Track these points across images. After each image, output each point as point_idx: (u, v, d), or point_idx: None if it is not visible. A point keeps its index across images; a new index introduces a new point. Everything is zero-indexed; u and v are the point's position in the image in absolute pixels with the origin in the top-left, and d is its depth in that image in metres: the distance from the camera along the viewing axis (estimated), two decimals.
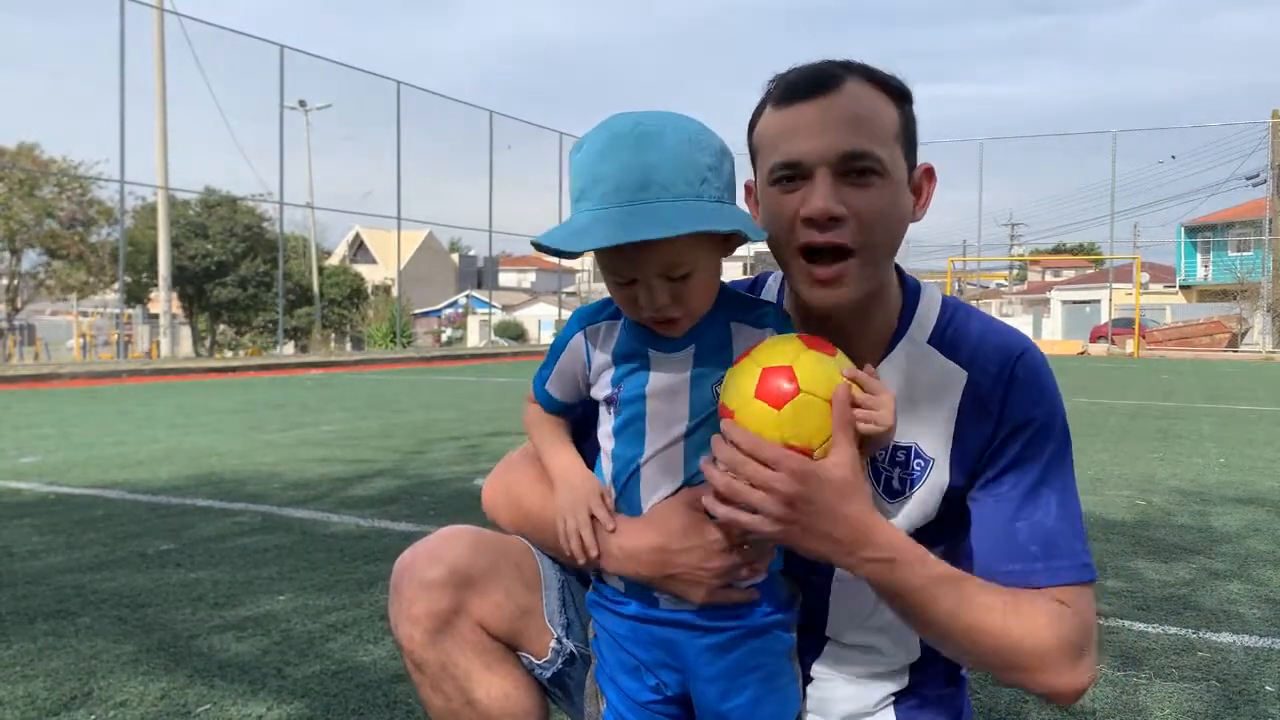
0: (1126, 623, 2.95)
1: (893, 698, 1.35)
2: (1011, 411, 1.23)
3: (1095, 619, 1.20)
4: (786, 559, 1.26)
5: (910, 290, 1.32)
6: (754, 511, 1.06)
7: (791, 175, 1.17)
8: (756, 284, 1.41)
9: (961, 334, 1.28)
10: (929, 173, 1.27)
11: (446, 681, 1.28)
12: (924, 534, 1.27)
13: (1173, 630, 2.89)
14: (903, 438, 1.25)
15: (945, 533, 1.30)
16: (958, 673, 1.40)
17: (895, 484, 1.26)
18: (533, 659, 1.32)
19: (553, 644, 1.31)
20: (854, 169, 1.15)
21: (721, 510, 1.08)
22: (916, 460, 1.25)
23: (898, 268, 1.33)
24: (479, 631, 1.28)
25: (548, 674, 1.32)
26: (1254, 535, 4.23)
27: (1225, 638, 2.83)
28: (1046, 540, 1.18)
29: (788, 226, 1.17)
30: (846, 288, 1.18)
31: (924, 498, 1.27)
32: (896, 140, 1.19)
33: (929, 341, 1.28)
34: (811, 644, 1.34)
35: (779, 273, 1.34)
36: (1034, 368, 1.25)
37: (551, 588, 1.34)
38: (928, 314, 1.30)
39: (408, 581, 1.28)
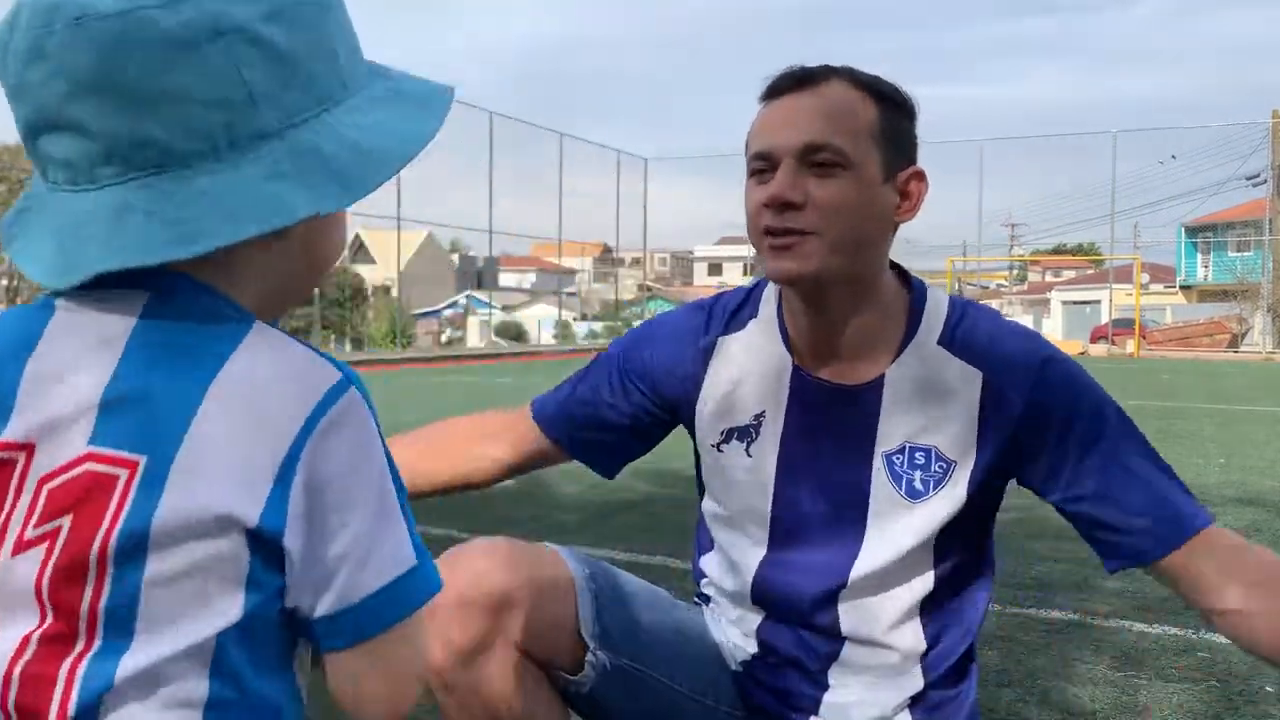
0: (1126, 623, 2.95)
1: (909, 701, 1.35)
2: (1044, 418, 1.25)
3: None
4: (799, 552, 1.30)
5: (917, 294, 1.32)
6: None
7: (763, 167, 1.22)
8: (753, 291, 1.42)
9: (971, 334, 1.29)
10: (918, 175, 1.28)
11: (475, 704, 1.25)
12: (948, 535, 1.30)
13: (1173, 630, 2.88)
14: (920, 440, 1.26)
15: (970, 533, 1.33)
16: (967, 664, 1.40)
17: (918, 485, 1.28)
18: (566, 675, 1.29)
19: (588, 657, 1.28)
20: (816, 160, 1.19)
21: None
22: (938, 463, 1.27)
23: (903, 271, 1.33)
24: (514, 652, 1.25)
25: (585, 689, 1.29)
26: (1254, 535, 4.23)
27: (1225, 638, 2.82)
28: (1162, 504, 1.24)
29: (755, 213, 1.23)
30: (801, 259, 1.20)
31: (947, 498, 1.28)
32: (872, 138, 1.21)
33: (939, 343, 1.29)
34: (828, 646, 1.34)
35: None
36: (1061, 366, 1.28)
37: (585, 598, 1.30)
38: (935, 316, 1.30)
39: (441, 600, 1.24)
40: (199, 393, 0.63)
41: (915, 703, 1.35)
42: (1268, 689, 2.44)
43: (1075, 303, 44.58)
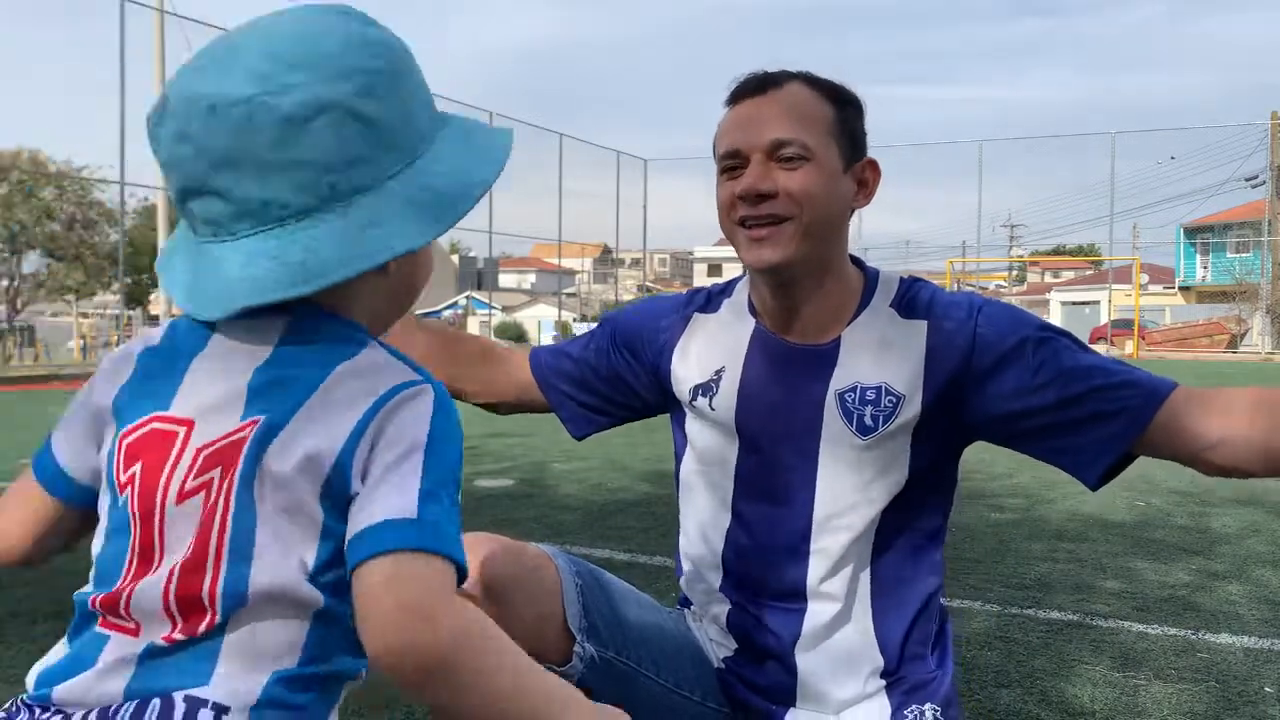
0: (1126, 624, 2.95)
1: (884, 682, 1.38)
2: (993, 342, 1.33)
3: None
4: (763, 505, 1.37)
5: (870, 275, 1.46)
6: None
7: (734, 165, 1.34)
8: (734, 282, 1.55)
9: (916, 297, 1.41)
10: (872, 165, 1.41)
11: None
12: (897, 490, 1.36)
13: (1172, 631, 2.89)
14: (871, 380, 1.35)
15: (918, 499, 1.39)
16: (935, 646, 1.44)
17: (868, 420, 1.35)
18: (555, 668, 1.31)
19: (575, 649, 1.33)
20: (783, 155, 1.31)
21: None
22: (888, 397, 1.35)
23: (859, 262, 1.46)
24: None
25: (573, 680, 1.31)
26: (1253, 536, 4.23)
27: (1225, 639, 2.83)
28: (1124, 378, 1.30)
29: (729, 206, 1.34)
30: (779, 247, 1.31)
31: (896, 432, 1.35)
32: (830, 134, 1.33)
33: (890, 306, 1.41)
34: (793, 622, 1.39)
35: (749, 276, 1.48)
36: (997, 304, 1.38)
37: (571, 592, 1.35)
38: (887, 288, 1.43)
39: None
40: (324, 375, 0.80)
41: (892, 686, 1.38)
42: (1267, 689, 2.44)
43: (1074, 303, 44.59)
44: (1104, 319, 36.12)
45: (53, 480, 0.89)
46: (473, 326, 40.13)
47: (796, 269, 1.34)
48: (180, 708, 0.75)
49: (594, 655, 1.34)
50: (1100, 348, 31.57)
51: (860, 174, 1.39)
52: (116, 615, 0.79)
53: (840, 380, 1.37)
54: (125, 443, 0.81)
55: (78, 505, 0.89)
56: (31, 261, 26.74)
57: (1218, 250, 40.97)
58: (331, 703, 0.83)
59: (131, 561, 0.80)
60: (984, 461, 6.40)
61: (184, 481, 0.79)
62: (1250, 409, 1.23)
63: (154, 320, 26.80)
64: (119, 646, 0.78)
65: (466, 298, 38.76)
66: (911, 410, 1.34)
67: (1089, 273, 50.64)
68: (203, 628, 0.77)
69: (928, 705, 1.36)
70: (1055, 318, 44.57)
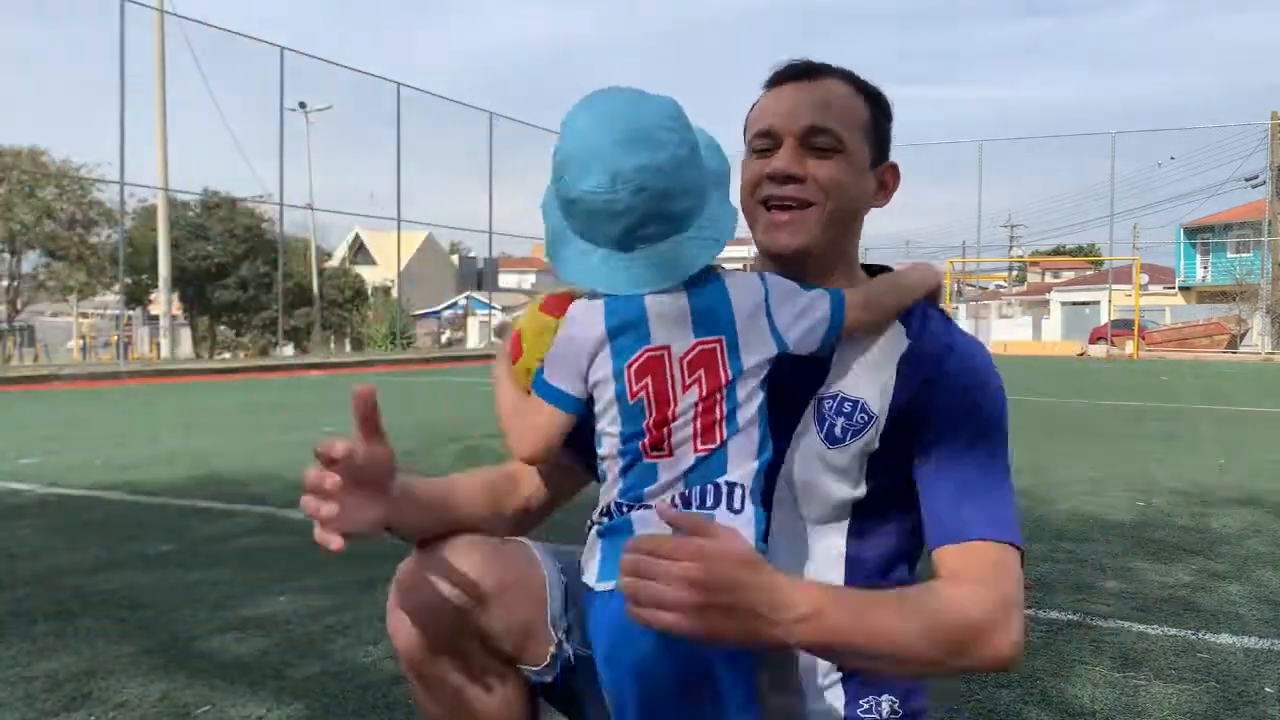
0: (1126, 624, 2.95)
1: (839, 675, 1.33)
2: (951, 395, 1.29)
3: (1020, 583, 1.21)
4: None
5: (874, 274, 1.43)
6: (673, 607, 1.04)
7: (766, 146, 1.33)
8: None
9: (915, 314, 1.36)
10: (893, 169, 1.41)
11: (444, 692, 1.31)
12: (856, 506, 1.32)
13: (1172, 631, 2.89)
14: (854, 391, 1.32)
15: (888, 491, 1.34)
16: None
17: (837, 432, 1.31)
18: (531, 668, 1.32)
19: (552, 649, 1.32)
20: (817, 144, 1.31)
21: (641, 614, 1.06)
22: (861, 414, 1.31)
23: (871, 268, 1.44)
24: (479, 649, 1.30)
25: (548, 678, 1.32)
26: (1254, 536, 4.23)
27: (1225, 639, 2.83)
28: (979, 505, 1.24)
29: (754, 184, 1.34)
30: (799, 233, 1.31)
31: (859, 450, 1.31)
32: (862, 130, 1.34)
33: (900, 322, 1.35)
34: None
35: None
36: (979, 360, 1.34)
37: (555, 591, 1.33)
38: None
39: (413, 594, 1.28)
40: (724, 293, 1.23)
41: (848, 676, 1.33)
42: (1267, 689, 2.44)
43: (1074, 304, 44.57)
44: (1104, 319, 36.08)
45: (559, 399, 1.27)
46: (472, 326, 40.12)
47: (811, 257, 1.33)
48: (724, 489, 1.19)
49: (570, 655, 1.32)
50: (1100, 348, 31.58)
51: (882, 175, 1.39)
52: (658, 450, 1.20)
53: (827, 386, 1.33)
54: (631, 369, 1.21)
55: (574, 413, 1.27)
56: (31, 261, 26.73)
57: (1218, 250, 40.95)
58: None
59: (649, 429, 1.20)
60: None
61: (681, 381, 1.20)
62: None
63: (154, 320, 26.77)
64: (667, 468, 1.20)
65: (466, 298, 38.73)
66: (876, 432, 1.31)
67: (1089, 273, 50.60)
68: (714, 446, 1.20)
69: (885, 696, 1.33)
70: (1055, 318, 44.56)
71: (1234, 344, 32.32)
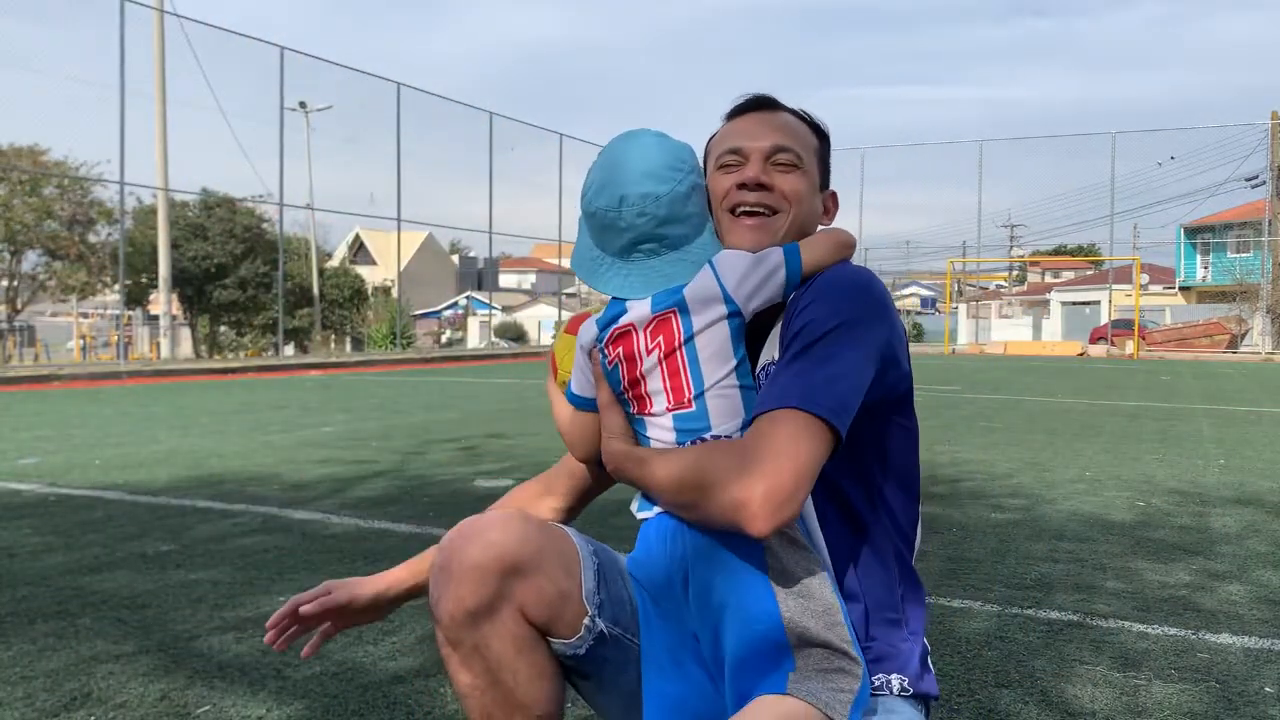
0: (1126, 624, 2.95)
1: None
2: (802, 306, 1.34)
3: (784, 441, 1.22)
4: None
5: None
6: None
7: (734, 162, 1.48)
8: None
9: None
10: (834, 196, 1.60)
11: (477, 662, 1.38)
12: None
13: (1172, 631, 2.89)
14: (769, 355, 1.39)
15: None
16: (904, 629, 1.44)
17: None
18: (563, 642, 1.40)
19: (586, 621, 1.40)
20: (780, 160, 1.47)
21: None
22: (774, 367, 1.36)
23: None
24: (518, 617, 1.37)
25: (580, 651, 1.41)
26: (1253, 536, 4.23)
27: (1225, 639, 2.83)
28: (779, 383, 1.28)
29: (724, 195, 1.46)
30: (766, 235, 1.44)
31: None
32: (815, 155, 1.52)
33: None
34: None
35: None
36: (830, 279, 1.36)
37: (589, 569, 1.43)
38: None
39: (458, 563, 1.36)
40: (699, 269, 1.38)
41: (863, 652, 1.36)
42: (1267, 689, 2.44)
43: (1075, 303, 44.58)
44: (1104, 319, 36.11)
45: (582, 403, 1.48)
46: (473, 326, 40.15)
47: None
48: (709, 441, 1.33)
49: (603, 630, 1.41)
50: (1100, 348, 31.58)
51: (825, 200, 1.56)
52: (640, 404, 1.37)
53: (762, 361, 1.40)
54: (608, 343, 1.39)
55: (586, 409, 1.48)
56: (31, 261, 26.71)
57: (1218, 250, 40.96)
58: None
59: (626, 386, 1.38)
60: (984, 462, 6.41)
61: (644, 346, 1.37)
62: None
63: (154, 320, 26.76)
64: (653, 423, 1.36)
65: (466, 298, 38.75)
66: None
67: (1089, 273, 50.61)
68: (686, 400, 1.34)
69: (894, 675, 1.39)
70: (1055, 318, 44.56)
71: (1234, 344, 32.33)
